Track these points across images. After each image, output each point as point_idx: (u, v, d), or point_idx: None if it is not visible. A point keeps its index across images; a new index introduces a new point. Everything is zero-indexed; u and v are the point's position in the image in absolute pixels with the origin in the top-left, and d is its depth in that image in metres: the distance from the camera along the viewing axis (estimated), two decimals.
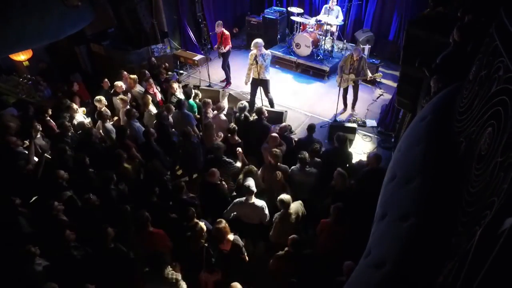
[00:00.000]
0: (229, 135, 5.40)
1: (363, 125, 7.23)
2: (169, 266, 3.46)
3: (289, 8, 9.60)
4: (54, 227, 3.79)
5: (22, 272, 3.53)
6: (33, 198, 4.51)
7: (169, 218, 4.24)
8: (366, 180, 4.27)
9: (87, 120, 6.02)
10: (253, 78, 7.08)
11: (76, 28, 6.82)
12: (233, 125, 5.42)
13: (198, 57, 8.89)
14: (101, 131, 5.76)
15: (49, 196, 4.24)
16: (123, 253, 3.76)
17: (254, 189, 4.17)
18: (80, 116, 5.96)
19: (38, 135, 5.26)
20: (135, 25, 7.84)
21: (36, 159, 4.93)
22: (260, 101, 7.47)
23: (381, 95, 8.09)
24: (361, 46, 8.80)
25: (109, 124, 5.72)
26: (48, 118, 5.70)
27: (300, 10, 9.35)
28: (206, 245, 3.92)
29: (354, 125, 6.83)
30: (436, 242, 1.51)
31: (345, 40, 9.34)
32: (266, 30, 9.93)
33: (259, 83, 7.07)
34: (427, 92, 3.84)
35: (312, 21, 9.11)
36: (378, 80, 7.05)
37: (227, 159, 4.98)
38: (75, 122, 5.76)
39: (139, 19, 7.73)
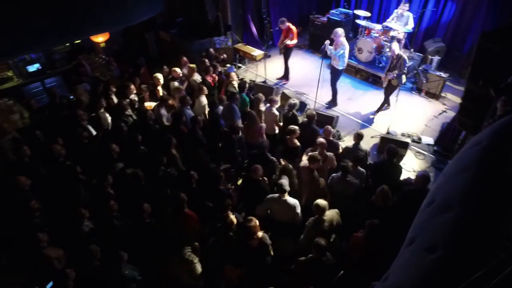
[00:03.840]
0: (287, 136, 5.20)
1: (418, 141, 6.77)
2: (189, 247, 3.61)
3: (355, 11, 9.24)
4: (102, 197, 4.17)
5: (72, 230, 3.97)
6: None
7: (205, 206, 4.42)
8: (408, 200, 4.01)
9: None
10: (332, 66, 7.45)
11: (148, 15, 7.31)
12: (293, 126, 5.19)
13: (257, 52, 8.99)
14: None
15: (103, 166, 4.67)
16: (157, 229, 4.00)
17: (287, 188, 4.17)
18: (135, 97, 6.34)
19: (102, 110, 5.79)
20: (201, 16, 8.18)
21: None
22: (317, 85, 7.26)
23: (444, 111, 7.48)
24: (429, 57, 8.21)
25: (163, 109, 6.06)
26: (113, 96, 6.23)
27: (367, 14, 8.96)
28: (232, 234, 3.99)
29: (408, 140, 6.44)
30: (459, 282, 1.38)
31: (412, 49, 8.69)
32: (330, 31, 9.67)
33: (331, 71, 7.46)
34: (492, 114, 3.47)
35: (378, 26, 8.67)
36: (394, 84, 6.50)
37: (271, 157, 5.00)
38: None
39: (205, 10, 8.05)
